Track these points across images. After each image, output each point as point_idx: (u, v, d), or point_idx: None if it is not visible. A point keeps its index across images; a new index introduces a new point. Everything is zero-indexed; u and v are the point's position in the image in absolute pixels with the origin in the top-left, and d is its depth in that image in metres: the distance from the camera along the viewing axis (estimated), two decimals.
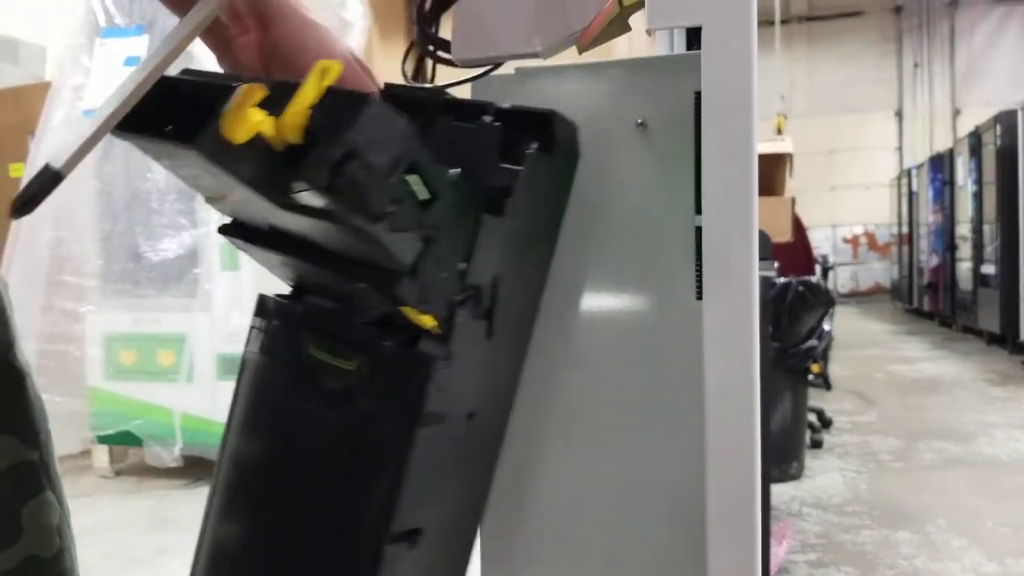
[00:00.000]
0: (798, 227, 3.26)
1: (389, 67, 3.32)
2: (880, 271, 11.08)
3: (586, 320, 0.55)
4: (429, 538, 0.48)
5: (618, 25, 0.50)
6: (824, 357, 3.07)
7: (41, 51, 3.80)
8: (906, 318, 8.95)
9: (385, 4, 3.30)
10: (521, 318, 0.51)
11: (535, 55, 0.52)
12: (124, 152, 2.57)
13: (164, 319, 2.72)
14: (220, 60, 0.52)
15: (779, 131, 8.77)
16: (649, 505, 0.54)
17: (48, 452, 0.57)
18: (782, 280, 2.78)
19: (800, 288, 2.80)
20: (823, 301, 2.90)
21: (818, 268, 3.56)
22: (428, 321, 0.43)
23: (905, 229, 9.33)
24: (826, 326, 2.94)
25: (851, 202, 11.11)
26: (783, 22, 9.71)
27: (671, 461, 0.53)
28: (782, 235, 2.41)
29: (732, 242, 0.46)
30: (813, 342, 2.89)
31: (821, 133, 10.74)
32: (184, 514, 2.57)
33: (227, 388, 2.31)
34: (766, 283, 2.62)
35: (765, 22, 9.76)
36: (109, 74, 2.70)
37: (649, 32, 0.46)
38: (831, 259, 3.70)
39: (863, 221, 11.13)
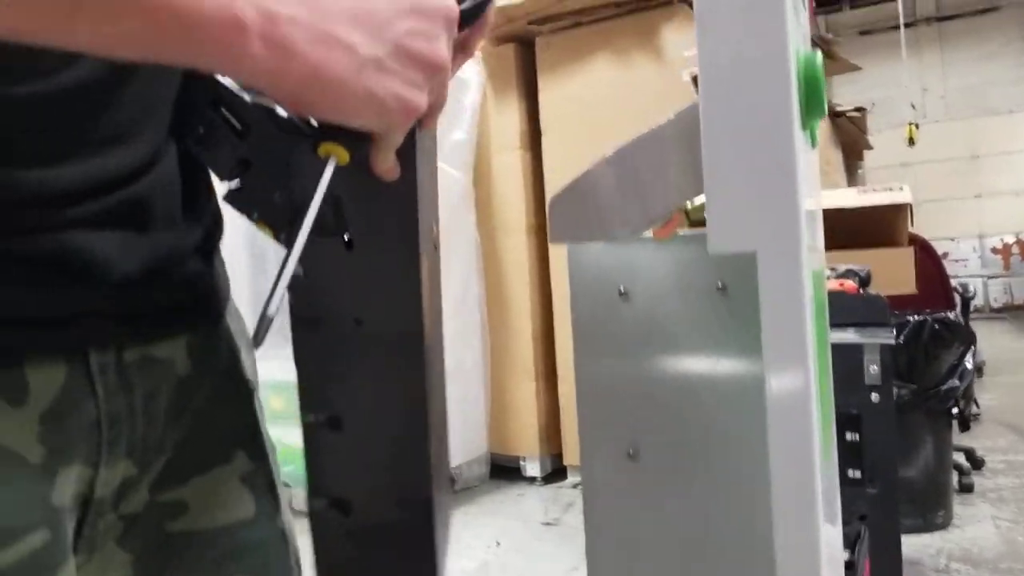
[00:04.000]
0: (930, 255, 3.10)
1: (503, 121, 3.44)
2: None
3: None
4: (353, 426, 0.58)
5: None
6: (966, 396, 2.89)
7: None
8: None
9: (498, 62, 3.43)
10: (400, 233, 0.56)
11: (616, 239, 0.60)
12: None
13: None
14: None
15: (911, 141, 8.36)
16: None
17: (276, 465, 0.64)
18: (916, 317, 2.66)
19: (936, 326, 2.66)
20: (963, 338, 2.75)
21: (957, 298, 3.35)
22: (264, 229, 0.52)
23: None
24: (968, 364, 2.78)
25: (1000, 209, 10.35)
26: (908, 25, 9.24)
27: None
28: (905, 287, 2.32)
29: (790, 394, 0.51)
30: (954, 382, 2.74)
31: (961, 138, 10.11)
32: None
33: None
34: (896, 323, 2.51)
35: (890, 27, 9.35)
36: None
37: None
38: (971, 288, 3.47)
39: (1015, 229, 10.34)
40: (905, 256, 2.28)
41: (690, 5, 2.61)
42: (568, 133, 3.27)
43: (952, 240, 10.38)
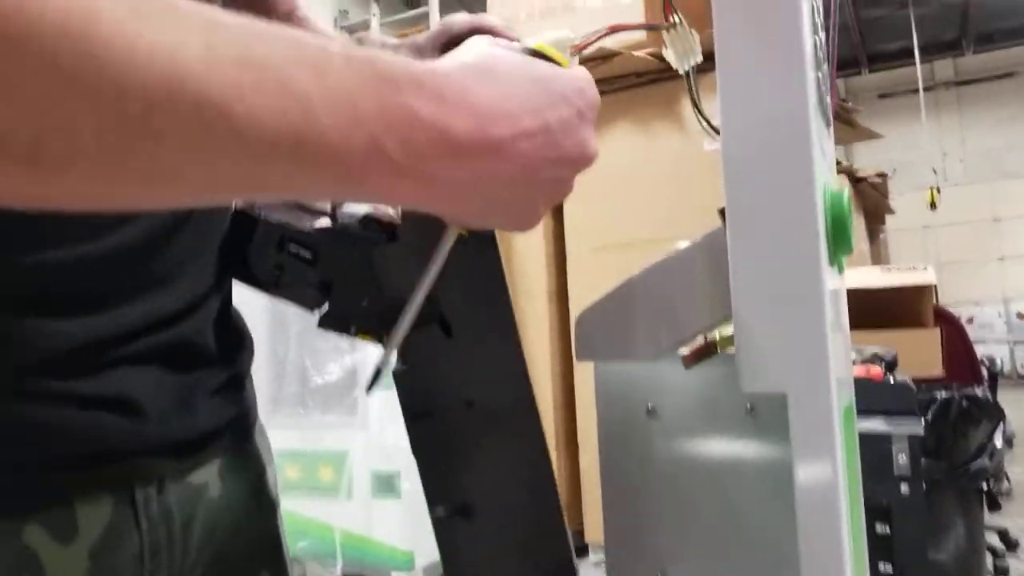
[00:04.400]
0: (955, 328, 3.07)
1: None
2: None
3: None
4: (485, 511, 0.56)
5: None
6: (995, 474, 2.83)
7: None
8: None
9: None
10: (493, 311, 0.57)
11: (644, 360, 0.61)
12: None
13: (327, 436, 2.91)
14: None
15: (932, 205, 8.35)
16: None
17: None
18: (944, 394, 2.62)
19: (964, 403, 2.62)
20: (991, 415, 2.70)
21: (984, 371, 3.30)
22: (367, 339, 0.53)
23: None
24: (997, 442, 2.73)
25: None
26: (927, 89, 9.32)
27: None
28: (932, 369, 2.30)
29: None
30: (984, 461, 2.68)
31: (982, 200, 10.09)
32: None
33: (382, 506, 2.52)
34: (923, 402, 2.48)
35: (909, 90, 9.44)
36: None
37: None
38: (998, 361, 3.43)
39: None
40: (931, 337, 2.26)
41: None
42: (590, 199, 3.30)
43: (977, 304, 10.26)
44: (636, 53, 2.65)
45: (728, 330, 0.56)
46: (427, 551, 2.92)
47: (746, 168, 0.52)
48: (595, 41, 0.51)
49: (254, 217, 0.54)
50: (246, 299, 0.61)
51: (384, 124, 0.33)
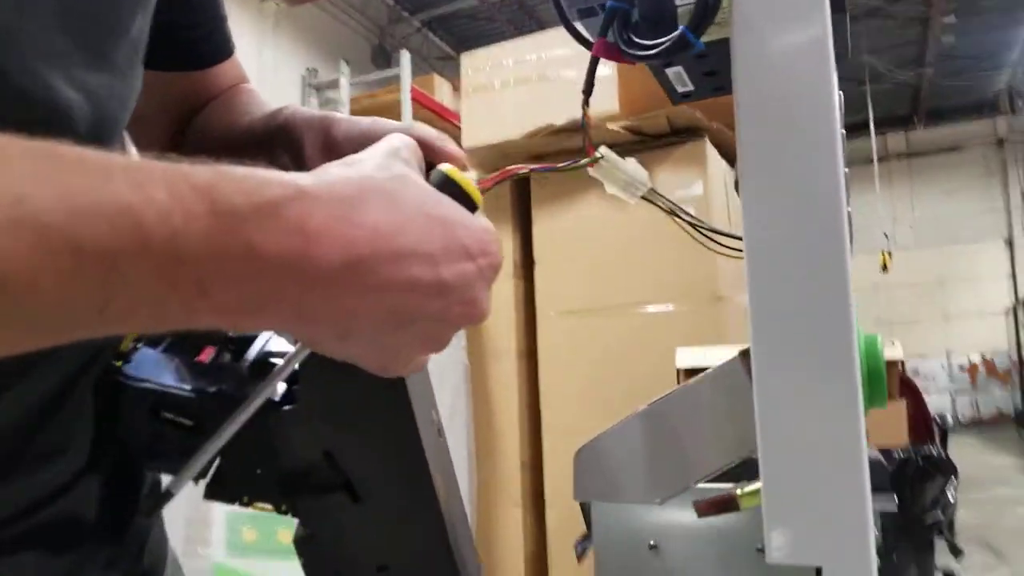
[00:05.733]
0: (911, 390, 3.20)
1: None
2: (1002, 399, 10.47)
3: None
4: None
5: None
6: (950, 528, 2.93)
7: None
8: None
9: (493, 195, 3.57)
10: (406, 472, 0.51)
11: (648, 503, 0.56)
12: None
13: None
14: None
15: (884, 267, 8.67)
16: None
17: None
18: (901, 454, 2.74)
19: (920, 461, 2.74)
20: (944, 471, 2.82)
21: (937, 428, 3.44)
22: (263, 509, 0.49)
23: None
24: (950, 495, 2.83)
25: (966, 330, 10.68)
26: (881, 160, 9.76)
27: None
28: (897, 440, 2.40)
29: None
30: (937, 514, 2.79)
31: (930, 263, 10.55)
32: None
33: None
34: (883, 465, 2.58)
35: (864, 160, 9.86)
36: None
37: None
38: (949, 419, 3.56)
39: (980, 348, 10.65)
40: (898, 409, 2.36)
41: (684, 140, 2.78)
42: (561, 264, 3.39)
43: (922, 357, 10.63)
44: (610, 126, 2.77)
45: (751, 486, 0.51)
46: None
47: (775, 314, 0.45)
48: (495, 183, 0.49)
49: (120, 383, 0.48)
50: None
51: (214, 266, 0.30)
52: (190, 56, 0.63)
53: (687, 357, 2.51)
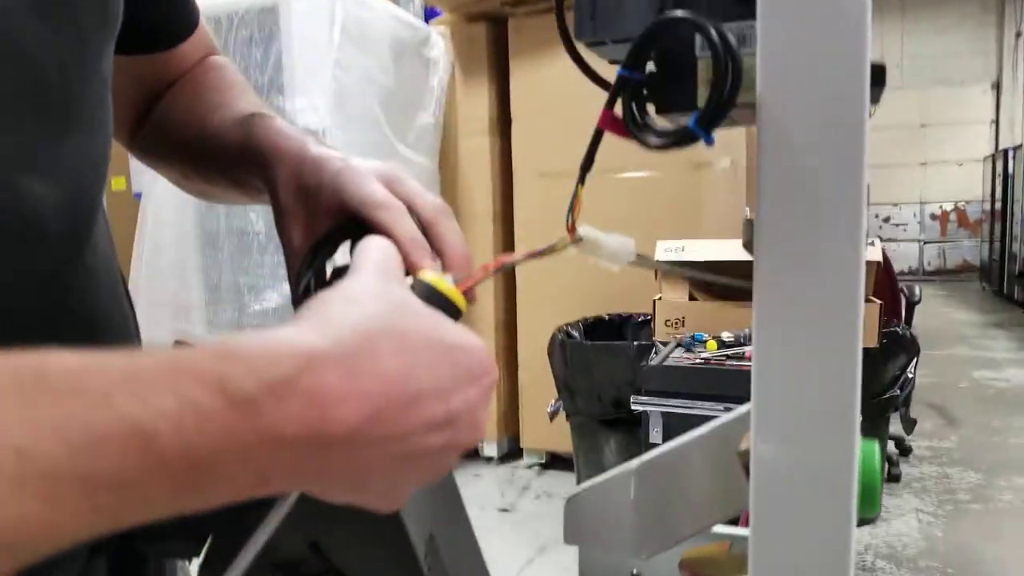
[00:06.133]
0: (886, 267, 3.21)
1: (471, 104, 3.38)
2: (969, 249, 10.68)
3: None
4: None
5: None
6: (907, 403, 3.06)
7: None
8: (994, 304, 8.63)
9: (468, 41, 3.35)
10: (393, 556, 0.52)
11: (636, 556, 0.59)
12: (227, 208, 2.73)
13: None
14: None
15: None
16: None
17: None
18: None
19: (885, 340, 2.79)
20: (908, 350, 2.89)
21: (904, 304, 3.50)
22: None
23: (999, 206, 8.92)
24: (910, 374, 2.93)
25: (942, 178, 10.69)
26: None
27: None
28: (869, 343, 2.41)
29: None
30: (895, 391, 2.89)
31: (914, 106, 10.31)
32: None
33: None
34: None
35: None
36: None
37: None
38: (917, 291, 3.63)
39: (953, 198, 10.72)
40: (872, 311, 2.35)
41: None
42: (539, 122, 3.24)
43: (895, 206, 10.71)
44: None
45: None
46: None
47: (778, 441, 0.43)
48: (480, 280, 0.45)
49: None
50: (174, 220, 0.58)
51: (232, 457, 0.30)
52: (152, 38, 0.60)
53: (667, 250, 2.48)
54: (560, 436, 3.07)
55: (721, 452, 0.53)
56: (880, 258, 2.51)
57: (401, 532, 0.49)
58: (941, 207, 10.81)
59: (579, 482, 3.11)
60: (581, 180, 0.45)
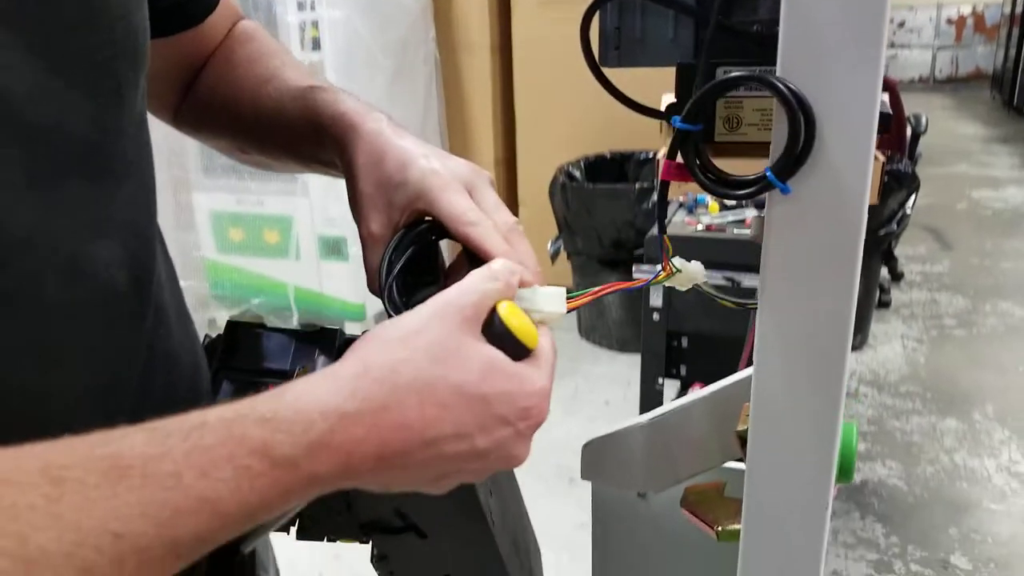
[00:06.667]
0: (895, 98, 3.12)
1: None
2: (983, 55, 10.25)
3: None
4: None
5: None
6: (899, 235, 3.09)
7: None
8: (1002, 117, 8.43)
9: None
10: (465, 515, 0.62)
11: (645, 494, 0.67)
12: None
13: (267, 201, 2.90)
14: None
15: None
16: None
17: None
18: None
19: (886, 177, 2.78)
20: (909, 186, 2.89)
21: (910, 134, 3.43)
22: (352, 540, 0.62)
23: (1020, 8, 8.47)
24: (908, 210, 2.94)
25: None
26: None
27: None
28: (872, 200, 2.37)
29: None
30: (892, 227, 2.92)
31: None
32: None
33: (329, 267, 2.75)
34: None
35: None
36: None
37: None
38: (923, 120, 3.55)
39: (973, 1, 10.14)
40: (875, 171, 2.30)
41: None
42: None
43: (911, 9, 10.15)
44: None
45: (732, 525, 0.56)
46: (377, 303, 3.10)
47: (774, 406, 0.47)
48: (590, 298, 0.47)
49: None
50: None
51: (279, 501, 0.35)
52: (183, 17, 0.60)
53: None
54: (561, 277, 3.14)
55: (722, 409, 0.58)
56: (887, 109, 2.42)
57: (473, 496, 0.58)
58: (959, 10, 10.26)
59: (579, 322, 3.21)
60: (662, 230, 0.46)
